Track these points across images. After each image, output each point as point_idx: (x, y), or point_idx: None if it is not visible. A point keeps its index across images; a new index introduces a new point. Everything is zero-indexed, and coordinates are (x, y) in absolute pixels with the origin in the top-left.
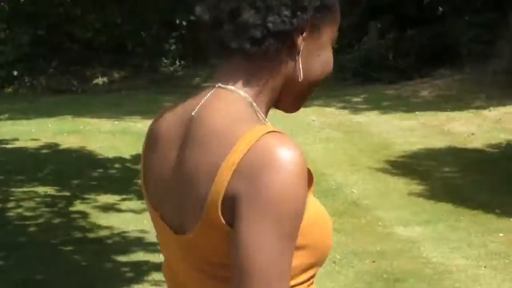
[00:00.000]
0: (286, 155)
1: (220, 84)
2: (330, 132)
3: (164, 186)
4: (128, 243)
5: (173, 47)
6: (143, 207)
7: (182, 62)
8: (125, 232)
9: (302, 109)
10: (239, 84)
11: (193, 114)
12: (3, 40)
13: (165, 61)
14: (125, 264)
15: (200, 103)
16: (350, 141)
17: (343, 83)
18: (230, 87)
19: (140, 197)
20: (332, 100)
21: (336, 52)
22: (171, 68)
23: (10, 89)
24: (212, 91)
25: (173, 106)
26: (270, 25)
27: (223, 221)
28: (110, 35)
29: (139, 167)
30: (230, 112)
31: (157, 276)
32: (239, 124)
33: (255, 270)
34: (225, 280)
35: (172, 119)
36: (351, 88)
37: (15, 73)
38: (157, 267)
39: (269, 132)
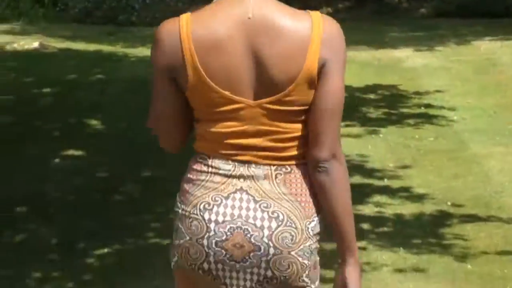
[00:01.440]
0: None
1: None
2: None
3: (238, 72)
4: (350, 168)
5: None
6: (365, 133)
7: None
8: (347, 156)
9: None
10: None
11: (249, 16)
12: None
13: None
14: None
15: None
16: None
17: None
18: None
19: (363, 124)
20: None
21: None
22: (396, 0)
23: None
24: None
25: (200, 16)
26: None
27: None
28: None
29: (364, 96)
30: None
31: (380, 198)
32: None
33: None
34: None
35: (222, 24)
36: None
37: None
38: (379, 189)
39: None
